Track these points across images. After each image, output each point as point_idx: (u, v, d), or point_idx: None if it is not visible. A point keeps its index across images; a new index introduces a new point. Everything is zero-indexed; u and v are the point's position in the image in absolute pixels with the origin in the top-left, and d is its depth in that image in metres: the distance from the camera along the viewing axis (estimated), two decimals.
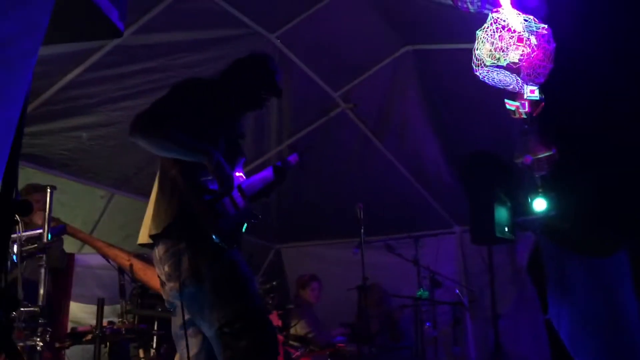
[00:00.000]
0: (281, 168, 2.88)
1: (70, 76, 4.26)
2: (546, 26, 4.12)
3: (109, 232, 5.40)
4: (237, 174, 2.65)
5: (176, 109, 2.43)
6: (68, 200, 5.14)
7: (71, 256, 5.10)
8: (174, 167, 2.44)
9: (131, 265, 4.06)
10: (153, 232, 2.43)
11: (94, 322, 3.97)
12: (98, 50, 4.19)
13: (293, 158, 3.01)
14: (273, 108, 5.80)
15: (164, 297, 2.56)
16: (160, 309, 4.15)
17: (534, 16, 4.15)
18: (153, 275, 4.14)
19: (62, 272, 4.80)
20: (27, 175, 4.78)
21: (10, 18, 1.43)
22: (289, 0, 4.77)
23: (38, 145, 4.62)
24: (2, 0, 1.42)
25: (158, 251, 2.46)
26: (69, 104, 4.46)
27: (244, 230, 2.58)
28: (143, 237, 2.51)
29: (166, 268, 2.42)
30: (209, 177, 2.45)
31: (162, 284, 2.50)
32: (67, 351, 4.28)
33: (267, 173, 2.84)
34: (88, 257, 5.31)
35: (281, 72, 2.85)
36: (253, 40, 4.97)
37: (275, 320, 4.85)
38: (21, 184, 4.60)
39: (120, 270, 4.35)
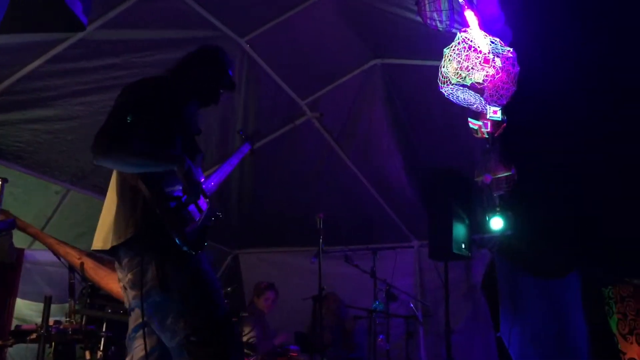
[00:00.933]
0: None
1: (30, 67, 4.13)
2: (511, 49, 4.20)
3: (61, 229, 5.26)
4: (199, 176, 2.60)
5: (133, 116, 2.32)
6: (21, 193, 4.99)
7: (20, 251, 4.95)
8: (135, 175, 2.37)
9: (82, 264, 3.96)
10: (115, 243, 2.35)
11: (40, 320, 3.85)
12: (61, 42, 4.08)
13: (246, 146, 3.02)
14: (239, 112, 5.76)
15: (124, 301, 2.49)
16: (110, 310, 4.05)
17: (501, 40, 4.23)
18: (105, 276, 4.05)
19: (10, 267, 4.65)
20: None
21: None
22: (261, 5, 4.73)
23: None
24: None
25: (121, 258, 2.40)
26: (28, 95, 4.34)
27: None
28: (99, 243, 2.43)
29: (130, 275, 2.36)
30: (174, 187, 2.40)
31: (124, 289, 2.43)
32: (10, 350, 4.14)
33: (225, 168, 2.81)
34: (38, 254, 5.16)
35: (234, 65, 2.79)
36: (222, 43, 4.88)
37: None
38: None
39: (71, 268, 4.24)
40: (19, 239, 4.81)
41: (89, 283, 4.12)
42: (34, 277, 5.26)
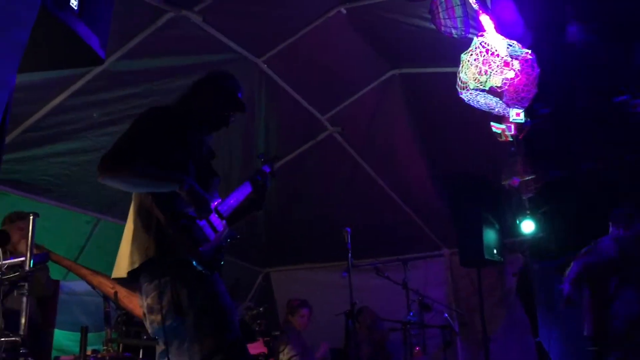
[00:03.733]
0: (260, 180, 2.87)
1: (54, 102, 4.23)
2: (530, 51, 4.16)
3: (95, 258, 5.32)
4: (212, 200, 2.61)
5: (139, 141, 2.41)
6: (52, 226, 5.08)
7: (56, 283, 5.03)
8: (148, 197, 2.42)
9: (115, 293, 4.00)
10: (130, 268, 2.39)
11: (78, 350, 3.90)
12: (82, 76, 4.17)
13: (265, 169, 3.04)
14: (260, 132, 5.80)
15: (147, 328, 2.52)
16: (145, 337, 4.08)
17: (519, 42, 4.19)
18: (138, 303, 4.08)
19: (47, 300, 4.73)
20: (11, 202, 4.73)
21: None
22: (274, 25, 4.77)
23: (21, 172, 4.58)
24: None
25: (141, 284, 2.43)
26: (54, 129, 4.43)
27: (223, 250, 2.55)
28: (118, 272, 2.47)
29: (148, 300, 2.39)
30: (189, 207, 2.43)
31: (144, 315, 2.46)
32: None
33: (243, 189, 2.83)
34: (73, 284, 5.24)
35: (243, 88, 2.83)
36: (239, 64, 4.98)
37: (261, 347, 4.78)
38: (5, 211, 4.58)
39: (105, 297, 4.28)
40: (54, 271, 4.88)
41: (124, 311, 4.16)
42: (71, 307, 5.33)
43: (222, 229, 2.53)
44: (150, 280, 2.38)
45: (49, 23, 1.97)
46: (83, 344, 3.79)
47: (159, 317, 2.33)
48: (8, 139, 4.28)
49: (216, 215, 2.54)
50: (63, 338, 5.21)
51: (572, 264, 4.91)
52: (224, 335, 2.36)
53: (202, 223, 2.44)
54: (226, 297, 2.44)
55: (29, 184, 4.74)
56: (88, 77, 4.20)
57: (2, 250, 4.28)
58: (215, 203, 2.60)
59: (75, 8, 2.00)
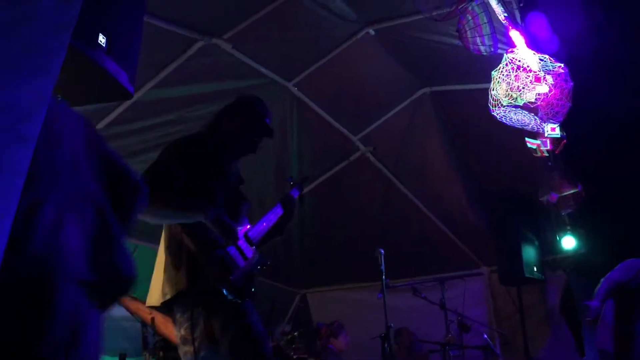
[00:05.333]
0: (289, 203, 2.86)
1: None
2: (562, 65, 4.09)
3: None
4: (241, 226, 2.61)
5: (167, 173, 2.44)
6: None
7: None
8: (178, 227, 2.44)
9: (153, 319, 4.04)
10: (163, 299, 2.41)
11: None
12: (116, 107, 4.27)
13: (294, 192, 3.03)
14: (293, 155, 5.83)
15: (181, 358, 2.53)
16: None
17: (551, 56, 4.12)
18: (174, 330, 4.12)
19: None
20: None
21: (26, 90, 1.40)
22: (303, 48, 4.81)
23: None
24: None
25: (175, 313, 2.45)
26: None
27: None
28: (152, 300, 2.49)
29: (182, 331, 2.41)
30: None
31: (178, 346, 2.47)
32: None
33: (274, 212, 2.83)
34: (113, 310, 5.30)
35: (271, 113, 2.83)
36: (270, 88, 5.03)
37: None
38: None
39: (143, 323, 4.33)
40: None
41: (161, 337, 4.19)
42: (110, 332, 5.38)
43: (251, 255, 2.53)
44: (183, 312, 2.39)
45: (79, 61, 2.02)
46: None
47: (192, 349, 2.34)
48: None
49: (245, 242, 2.54)
50: None
51: (601, 281, 4.82)
52: None
53: (232, 251, 2.45)
54: (259, 326, 2.44)
55: None
56: (121, 108, 4.29)
57: None
58: (245, 229, 2.60)
59: (104, 45, 2.05)
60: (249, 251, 2.53)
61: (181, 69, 4.33)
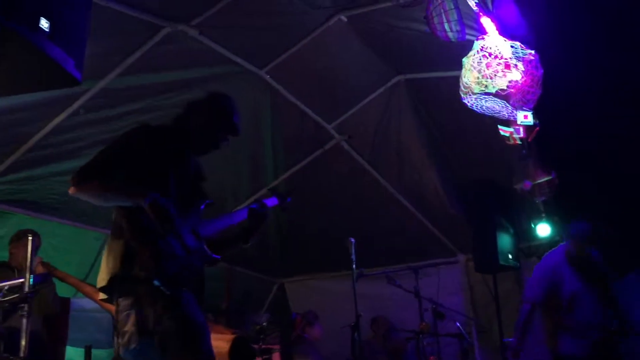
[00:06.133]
0: (257, 210, 2.79)
1: (56, 121, 4.25)
2: (533, 52, 4.06)
3: None
4: (189, 219, 2.55)
5: (112, 156, 2.41)
6: (61, 244, 5.11)
7: (66, 300, 5.05)
8: (121, 211, 2.39)
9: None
10: (101, 285, 2.35)
11: None
12: (83, 94, 4.18)
13: (271, 201, 2.95)
14: (267, 144, 5.77)
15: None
16: None
17: (522, 43, 4.09)
18: None
19: (56, 317, 4.74)
20: (18, 221, 4.77)
21: None
22: (274, 36, 4.74)
23: (27, 191, 4.61)
24: None
25: (114, 301, 2.39)
26: (57, 148, 4.45)
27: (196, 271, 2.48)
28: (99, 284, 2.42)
29: (118, 321, 2.33)
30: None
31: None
32: None
33: (237, 215, 2.77)
34: (83, 301, 5.25)
35: (239, 112, 2.77)
36: (242, 76, 4.97)
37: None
38: (12, 230, 4.61)
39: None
40: (64, 289, 4.90)
41: None
42: (82, 324, 5.34)
43: (195, 247, 2.45)
44: (119, 300, 2.33)
45: (20, 47, 1.95)
46: None
47: (124, 340, 2.27)
48: (11, 159, 4.32)
49: (191, 235, 2.47)
50: (75, 355, 5.22)
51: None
52: (193, 357, 2.29)
53: (171, 240, 2.36)
54: (198, 317, 2.35)
55: (36, 203, 4.77)
56: (87, 95, 4.21)
57: (9, 268, 4.34)
58: (194, 223, 2.54)
59: (47, 30, 1.98)
60: (193, 242, 2.45)
61: (148, 56, 4.25)
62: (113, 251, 2.35)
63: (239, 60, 4.82)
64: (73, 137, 4.43)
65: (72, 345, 5.15)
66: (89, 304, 5.13)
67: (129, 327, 2.27)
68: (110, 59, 4.12)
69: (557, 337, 4.72)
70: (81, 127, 4.40)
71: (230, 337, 3.35)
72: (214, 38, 4.48)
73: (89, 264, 5.48)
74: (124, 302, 2.31)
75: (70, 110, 4.25)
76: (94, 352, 4.71)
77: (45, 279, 3.94)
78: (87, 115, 4.31)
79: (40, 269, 4.21)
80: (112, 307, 3.96)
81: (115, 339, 3.58)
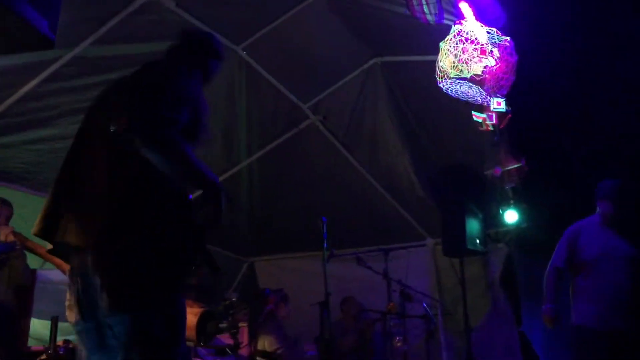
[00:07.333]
0: None
1: (26, 88, 4.16)
2: (509, 38, 4.11)
3: None
4: None
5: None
6: (29, 214, 5.02)
7: (33, 272, 4.98)
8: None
9: None
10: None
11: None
12: (54, 61, 4.10)
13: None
14: (242, 119, 5.74)
15: None
16: None
17: (498, 29, 4.14)
18: None
19: (23, 289, 4.68)
20: None
21: None
22: (252, 11, 4.70)
23: None
24: None
25: None
26: (27, 116, 4.37)
27: None
28: None
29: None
30: None
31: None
32: None
33: None
34: (50, 273, 5.18)
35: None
36: None
37: (227, 340, 4.72)
38: None
39: None
40: (31, 260, 4.83)
41: None
42: (48, 296, 5.28)
43: None
44: None
45: None
46: (53, 334, 3.75)
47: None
48: None
49: None
50: (41, 327, 5.17)
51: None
52: None
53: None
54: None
55: (4, 172, 4.68)
56: (60, 62, 4.12)
57: None
58: None
59: None
60: None
61: (123, 26, 4.18)
62: None
63: (215, 34, 4.75)
64: (45, 105, 4.34)
65: (38, 317, 5.10)
66: (57, 275, 5.06)
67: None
68: (84, 27, 4.04)
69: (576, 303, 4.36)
70: (53, 95, 4.32)
71: (198, 310, 3.36)
72: (190, 11, 4.43)
73: None
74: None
75: (40, 77, 4.16)
76: (60, 324, 4.67)
77: (9, 249, 3.87)
78: (60, 83, 4.22)
79: (11, 239, 4.15)
80: None
81: None
